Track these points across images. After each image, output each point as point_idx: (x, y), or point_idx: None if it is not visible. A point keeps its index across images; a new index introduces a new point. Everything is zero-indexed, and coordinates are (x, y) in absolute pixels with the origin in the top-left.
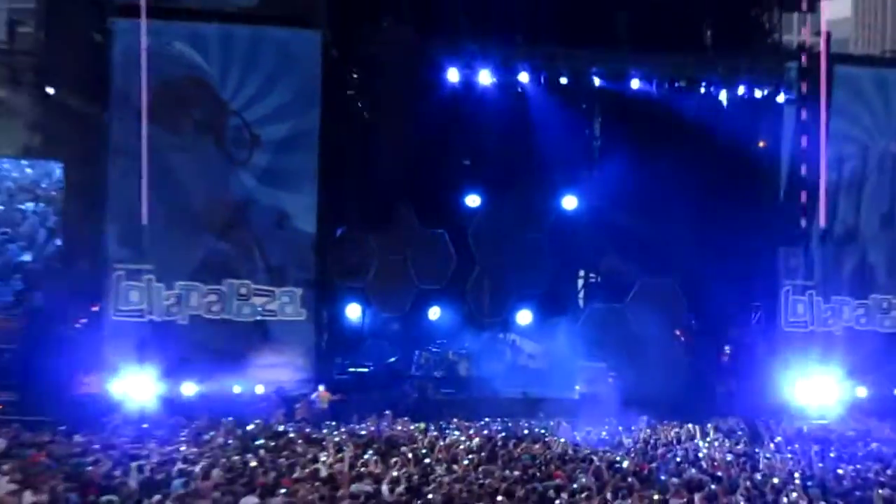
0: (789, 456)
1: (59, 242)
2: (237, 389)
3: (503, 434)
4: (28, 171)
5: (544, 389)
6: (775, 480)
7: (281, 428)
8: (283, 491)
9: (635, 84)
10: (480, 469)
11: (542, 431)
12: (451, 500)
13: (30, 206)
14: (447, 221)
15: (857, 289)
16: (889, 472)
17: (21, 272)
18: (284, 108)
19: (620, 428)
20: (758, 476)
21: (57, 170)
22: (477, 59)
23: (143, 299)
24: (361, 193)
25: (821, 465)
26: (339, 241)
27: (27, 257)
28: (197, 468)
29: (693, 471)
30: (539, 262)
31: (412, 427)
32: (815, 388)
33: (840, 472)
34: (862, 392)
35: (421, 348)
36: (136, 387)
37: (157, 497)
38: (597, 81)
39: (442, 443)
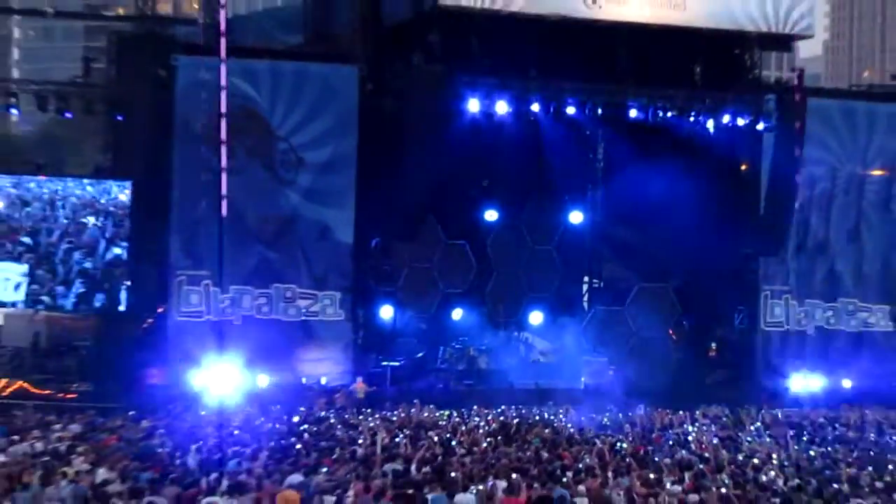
0: (767, 439)
1: (116, 252)
2: (285, 380)
3: (517, 420)
4: (89, 188)
5: (553, 381)
6: (755, 461)
7: (322, 414)
8: (324, 470)
9: (633, 113)
10: (497, 450)
11: (552, 418)
12: (471, 478)
13: (90, 219)
14: (468, 234)
15: (826, 293)
16: (854, 454)
17: (84, 277)
18: (326, 134)
19: (620, 415)
20: (740, 457)
21: (114, 187)
22: (495, 91)
23: (202, 302)
24: (393, 209)
25: (795, 447)
26: (373, 251)
27: (88, 264)
28: (248, 450)
29: (684, 452)
30: (549, 270)
31: (437, 414)
32: (792, 378)
33: (812, 453)
34: (830, 383)
35: (445, 345)
36: (196, 378)
37: (213, 475)
38: (599, 111)
39: (463, 427)
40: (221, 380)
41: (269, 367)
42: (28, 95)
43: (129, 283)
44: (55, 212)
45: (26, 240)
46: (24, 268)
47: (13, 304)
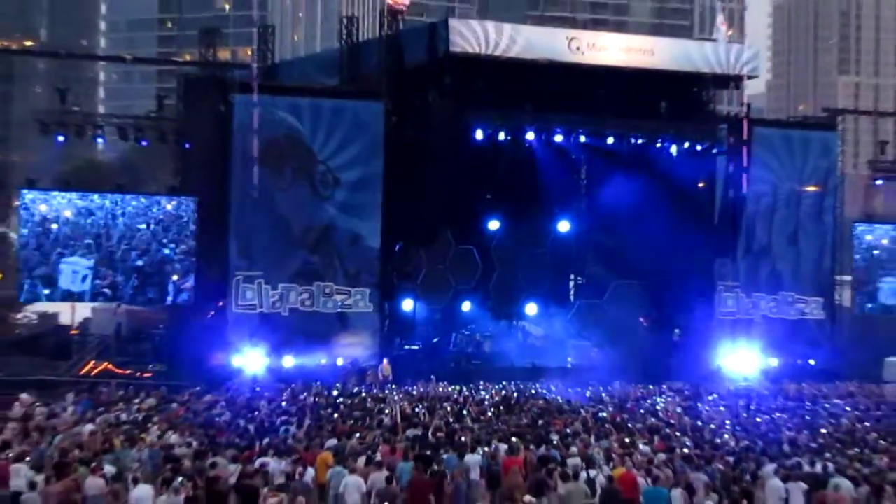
0: (721, 408)
1: (165, 252)
2: (323, 361)
3: (516, 393)
4: (142, 200)
5: (545, 361)
6: (712, 426)
7: (355, 390)
8: (357, 436)
9: (610, 141)
10: (500, 418)
11: (544, 391)
12: (478, 441)
13: (143, 226)
14: (475, 240)
15: (770, 288)
16: (794, 420)
17: (137, 272)
18: (357, 158)
19: (601, 389)
20: (699, 423)
21: (163, 200)
22: (496, 123)
23: (255, 297)
24: (413, 219)
25: (745, 415)
26: (397, 254)
27: (140, 262)
28: (294, 419)
29: (653, 419)
30: (541, 270)
31: (450, 388)
32: (741, 359)
33: (758, 419)
34: (774, 362)
35: (456, 331)
36: (251, 360)
37: (266, 440)
38: (583, 139)
39: (471, 399)
40: (268, 362)
41: (311, 350)
42: (111, 127)
43: (193, 281)
44: (115, 220)
45: (90, 241)
46: (90, 262)
47: (80, 294)
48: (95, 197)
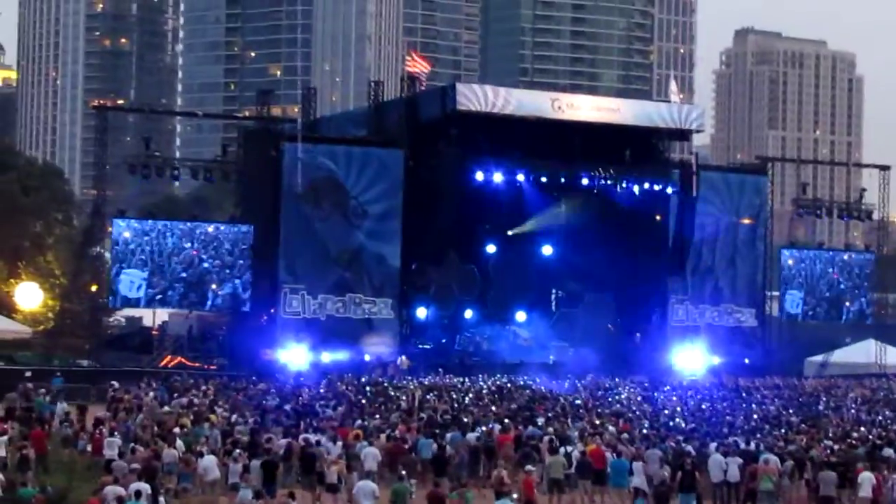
0: (674, 397)
1: (205, 266)
2: (354, 357)
3: (508, 384)
4: (188, 224)
5: (531, 358)
6: (666, 411)
7: (380, 380)
8: (377, 416)
9: (585, 181)
10: (495, 403)
11: (530, 383)
12: (477, 422)
13: (188, 244)
14: (476, 261)
15: (713, 300)
16: (732, 407)
17: (182, 282)
18: (381, 195)
19: (576, 381)
20: (655, 409)
21: (204, 224)
22: (493, 166)
23: (300, 305)
24: (426, 244)
25: (692, 402)
26: (413, 272)
27: (184, 274)
28: (330, 403)
29: (618, 406)
30: (529, 284)
31: (455, 380)
32: (689, 357)
33: (703, 406)
34: (716, 360)
35: (460, 334)
36: (295, 356)
37: (307, 420)
38: (562, 180)
39: (472, 388)
40: (309, 357)
41: (344, 348)
42: (185, 168)
43: (230, 289)
44: (165, 240)
45: (143, 257)
46: (144, 274)
47: (137, 300)
48: (150, 222)
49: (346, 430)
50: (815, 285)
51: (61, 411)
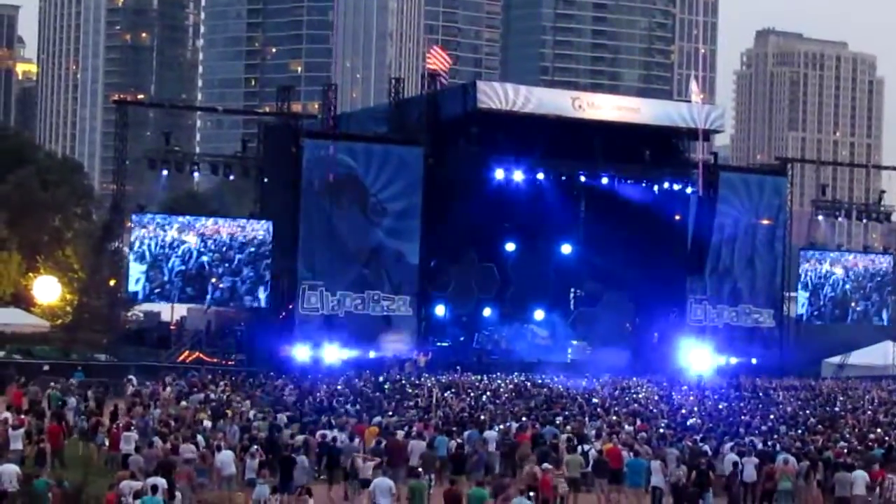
0: (691, 397)
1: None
2: (372, 354)
3: (526, 382)
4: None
5: (549, 357)
6: (683, 411)
7: (397, 377)
8: (395, 414)
9: (605, 181)
10: (512, 402)
11: (548, 381)
12: (494, 419)
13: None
14: (495, 259)
15: (731, 301)
16: (748, 407)
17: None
18: (401, 192)
19: (594, 380)
20: (672, 408)
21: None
22: (513, 165)
23: (318, 302)
24: (445, 242)
25: (709, 402)
26: (432, 269)
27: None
28: (348, 400)
29: (635, 405)
30: (547, 283)
31: (473, 377)
32: (698, 357)
33: (720, 406)
34: (734, 360)
35: (478, 332)
36: (313, 353)
37: (326, 416)
38: (582, 179)
39: (490, 386)
40: (328, 354)
41: (362, 345)
42: (205, 164)
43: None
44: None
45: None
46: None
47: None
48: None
49: (364, 427)
50: (832, 287)
51: (72, 405)
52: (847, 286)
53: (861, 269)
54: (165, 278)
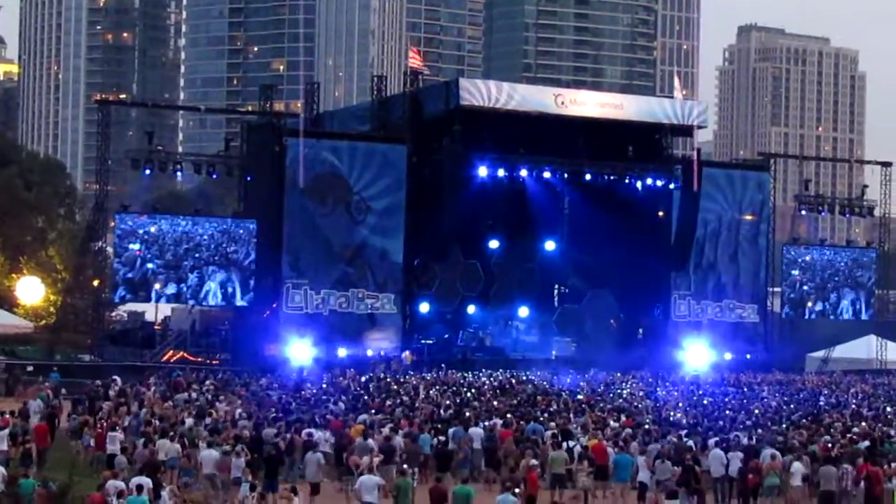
0: (675, 393)
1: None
2: (356, 352)
3: (511, 379)
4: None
5: (534, 353)
6: (668, 407)
7: (382, 375)
8: (378, 412)
9: (588, 177)
10: (497, 399)
11: (533, 378)
12: (479, 415)
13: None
14: (479, 256)
15: (715, 296)
16: (733, 402)
17: (154, 275)
18: (385, 190)
19: (578, 376)
20: (657, 404)
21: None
22: (496, 162)
23: (302, 300)
24: (429, 240)
25: (694, 398)
26: (416, 267)
27: (151, 266)
28: (332, 398)
29: (621, 401)
30: (532, 280)
31: (458, 374)
32: (695, 354)
33: (705, 402)
34: (717, 356)
35: (463, 330)
36: (298, 351)
37: (310, 415)
38: (565, 175)
39: (475, 383)
40: (312, 352)
41: (346, 344)
42: (188, 163)
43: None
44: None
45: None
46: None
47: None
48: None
49: (349, 426)
50: (816, 282)
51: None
52: (830, 281)
53: (844, 264)
54: (149, 278)
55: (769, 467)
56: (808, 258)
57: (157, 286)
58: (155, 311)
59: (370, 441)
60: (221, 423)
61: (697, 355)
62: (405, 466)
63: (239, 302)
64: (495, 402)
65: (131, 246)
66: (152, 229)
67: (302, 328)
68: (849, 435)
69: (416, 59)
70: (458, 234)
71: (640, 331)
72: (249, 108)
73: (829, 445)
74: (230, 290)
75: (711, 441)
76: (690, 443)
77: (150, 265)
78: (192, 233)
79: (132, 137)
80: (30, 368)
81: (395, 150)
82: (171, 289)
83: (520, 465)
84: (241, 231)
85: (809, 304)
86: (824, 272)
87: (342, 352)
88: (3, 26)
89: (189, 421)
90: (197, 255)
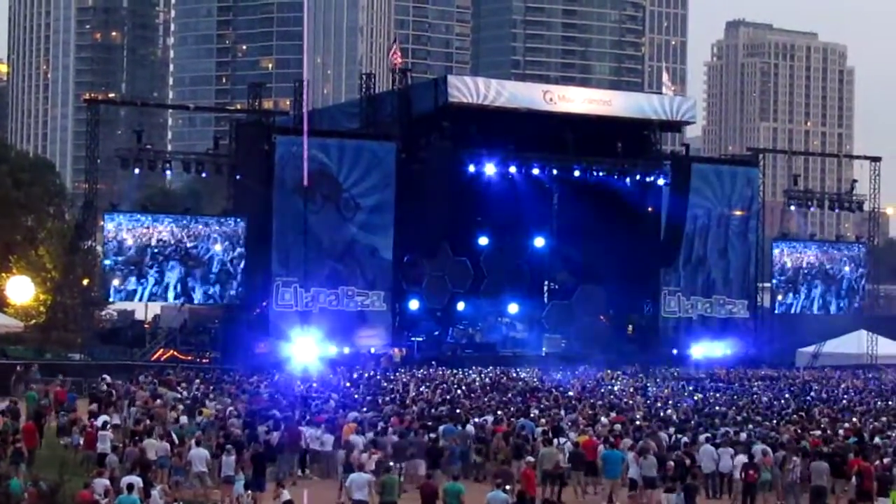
0: (666, 389)
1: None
2: (346, 350)
3: (501, 375)
4: (160, 216)
5: (524, 350)
6: (658, 403)
7: (372, 372)
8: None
9: (577, 174)
10: (488, 395)
11: (523, 374)
12: (469, 412)
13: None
14: (468, 253)
15: (705, 292)
16: (724, 398)
17: (151, 276)
18: (374, 187)
19: (569, 372)
20: (648, 400)
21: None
22: (485, 159)
23: (292, 298)
24: (419, 236)
25: (684, 393)
26: (406, 264)
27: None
28: (323, 396)
29: (611, 397)
30: (521, 277)
31: (448, 371)
32: (691, 348)
33: (696, 397)
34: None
35: (453, 326)
36: (289, 348)
37: (301, 412)
38: (554, 172)
39: (465, 380)
40: (304, 350)
41: (336, 341)
42: (177, 162)
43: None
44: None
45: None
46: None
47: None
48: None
49: (340, 423)
50: (805, 277)
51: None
52: (820, 276)
53: (834, 259)
54: (139, 276)
55: (761, 463)
56: (797, 253)
57: (145, 284)
58: (145, 310)
59: (362, 438)
60: (212, 421)
61: (700, 350)
62: (391, 463)
63: (229, 300)
64: (486, 399)
65: (119, 244)
66: (142, 228)
67: (292, 326)
68: (839, 429)
69: (396, 57)
70: (447, 230)
71: (630, 327)
72: (238, 107)
73: (820, 440)
74: (220, 288)
75: (702, 437)
76: (683, 438)
77: (139, 263)
78: (182, 231)
79: (121, 136)
80: (19, 368)
81: (384, 148)
82: (161, 287)
83: (510, 462)
84: (231, 229)
85: (799, 299)
86: (813, 267)
87: (332, 349)
88: None
89: (183, 419)
90: (187, 253)
